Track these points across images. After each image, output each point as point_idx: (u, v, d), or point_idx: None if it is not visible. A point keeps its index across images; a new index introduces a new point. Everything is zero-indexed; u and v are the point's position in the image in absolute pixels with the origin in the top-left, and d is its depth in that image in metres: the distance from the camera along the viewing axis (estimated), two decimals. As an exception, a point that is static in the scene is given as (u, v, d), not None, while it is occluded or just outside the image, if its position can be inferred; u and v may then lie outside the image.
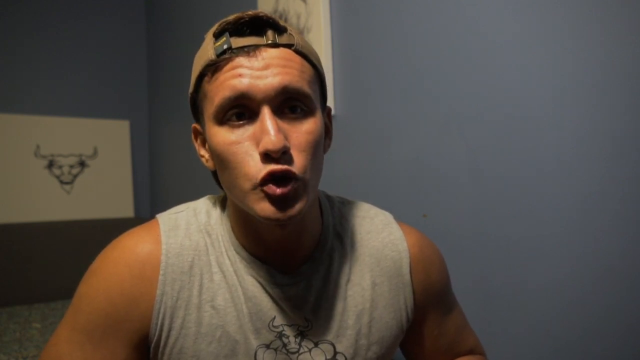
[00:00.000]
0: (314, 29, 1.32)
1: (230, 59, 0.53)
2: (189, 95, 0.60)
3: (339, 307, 0.63)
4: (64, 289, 2.14)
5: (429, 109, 1.04)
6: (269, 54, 0.53)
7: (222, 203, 0.66)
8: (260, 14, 0.55)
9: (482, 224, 0.93)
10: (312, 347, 0.61)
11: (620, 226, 0.73)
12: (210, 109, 0.55)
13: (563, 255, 0.81)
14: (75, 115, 2.51)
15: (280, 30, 0.56)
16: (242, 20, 0.54)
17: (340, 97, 1.28)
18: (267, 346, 0.60)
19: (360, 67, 1.22)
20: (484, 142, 0.92)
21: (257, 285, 0.61)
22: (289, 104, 0.54)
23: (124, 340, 0.58)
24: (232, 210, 0.62)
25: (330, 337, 0.62)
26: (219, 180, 0.63)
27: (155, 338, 0.59)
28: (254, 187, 0.52)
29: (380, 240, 0.67)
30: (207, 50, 0.55)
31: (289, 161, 0.52)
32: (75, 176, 2.47)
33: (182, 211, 0.65)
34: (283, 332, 0.60)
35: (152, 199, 2.76)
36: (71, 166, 2.45)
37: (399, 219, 0.72)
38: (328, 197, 0.71)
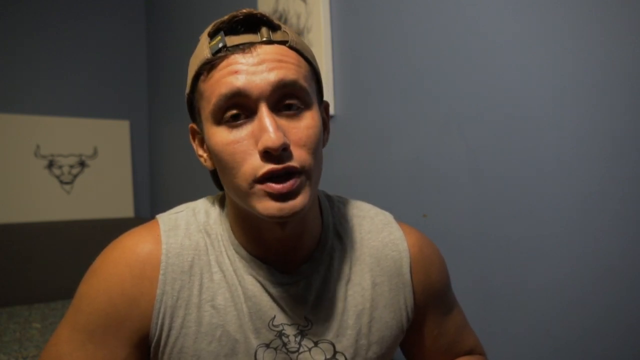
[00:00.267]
0: (314, 29, 1.32)
1: (225, 57, 0.53)
2: (186, 95, 0.60)
3: (339, 306, 0.63)
4: (64, 289, 2.14)
5: (429, 109, 1.04)
6: (264, 51, 0.54)
7: (221, 203, 0.66)
8: (254, 12, 0.55)
9: (482, 224, 0.93)
10: (312, 347, 0.61)
11: (620, 226, 0.73)
12: (207, 108, 0.55)
13: (563, 255, 0.81)
14: (75, 115, 2.51)
15: (274, 27, 0.56)
16: (236, 19, 0.55)
17: (340, 97, 1.28)
18: (267, 345, 0.60)
19: (360, 67, 1.22)
20: (484, 142, 0.93)
21: (257, 284, 0.61)
22: (286, 100, 0.54)
23: (125, 340, 0.58)
24: (231, 209, 0.62)
25: (330, 336, 0.62)
26: (217, 179, 0.63)
27: (156, 337, 0.59)
28: (254, 186, 0.52)
29: (380, 240, 0.67)
30: (203, 49, 0.56)
31: (289, 157, 0.52)
32: (75, 176, 2.47)
33: (181, 211, 0.65)
34: (283, 331, 0.60)
35: (152, 199, 2.76)
36: (71, 166, 2.45)
37: (399, 219, 0.72)
38: (328, 197, 0.71)
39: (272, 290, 0.60)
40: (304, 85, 0.54)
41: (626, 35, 0.72)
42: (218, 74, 0.53)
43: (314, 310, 0.62)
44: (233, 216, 0.62)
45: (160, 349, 0.59)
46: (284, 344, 0.60)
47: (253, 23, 0.55)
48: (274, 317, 0.60)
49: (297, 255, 0.62)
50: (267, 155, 0.51)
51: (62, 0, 2.54)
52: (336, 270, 0.64)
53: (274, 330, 0.60)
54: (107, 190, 2.53)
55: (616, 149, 0.73)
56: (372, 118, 1.18)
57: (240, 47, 0.54)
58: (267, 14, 0.56)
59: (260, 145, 0.51)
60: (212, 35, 0.56)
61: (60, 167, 2.43)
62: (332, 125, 1.27)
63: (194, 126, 0.62)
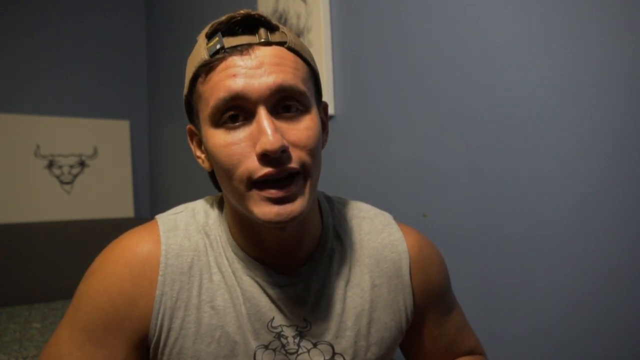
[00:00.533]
0: (314, 29, 1.32)
1: (223, 59, 0.53)
2: (184, 97, 0.60)
3: (338, 308, 0.63)
4: (64, 289, 2.14)
5: (429, 109, 1.04)
6: (262, 52, 0.53)
7: (220, 204, 0.66)
8: (252, 13, 0.55)
9: (482, 224, 0.93)
10: (311, 348, 0.61)
11: (620, 226, 0.73)
12: (205, 110, 0.54)
13: (563, 255, 0.81)
14: (75, 115, 2.51)
15: (272, 28, 0.56)
16: (234, 20, 0.54)
17: (340, 97, 1.28)
18: (266, 347, 0.60)
19: (360, 67, 1.22)
20: (484, 142, 0.92)
21: (256, 285, 0.60)
22: (284, 103, 0.54)
23: (124, 340, 0.58)
24: (229, 211, 0.62)
25: (329, 338, 0.62)
26: (216, 180, 0.63)
27: (155, 338, 0.59)
28: (252, 189, 0.52)
29: (380, 241, 0.67)
30: (200, 51, 0.55)
31: (288, 159, 0.52)
32: (75, 176, 2.47)
33: (180, 212, 0.65)
34: (282, 332, 0.60)
35: (152, 199, 2.76)
36: (71, 166, 2.45)
37: (399, 219, 0.72)
38: (327, 198, 0.70)
39: (271, 291, 0.60)
40: (302, 90, 0.54)
41: (626, 35, 0.72)
42: (216, 76, 0.53)
43: (313, 312, 0.62)
44: (231, 217, 0.62)
45: (160, 349, 0.59)
46: (283, 345, 0.60)
47: (251, 24, 0.55)
48: (273, 318, 0.60)
49: (296, 256, 0.62)
50: (265, 158, 0.51)
51: (62, 0, 2.54)
52: (335, 271, 0.64)
53: (272, 332, 0.60)
54: (107, 190, 2.53)
55: (616, 149, 0.73)
56: (372, 118, 1.18)
57: (238, 48, 0.53)
58: (266, 15, 0.56)
59: (259, 148, 0.51)
60: (209, 36, 0.55)
61: (60, 167, 2.43)
62: (332, 125, 1.27)
63: (192, 127, 0.62)
